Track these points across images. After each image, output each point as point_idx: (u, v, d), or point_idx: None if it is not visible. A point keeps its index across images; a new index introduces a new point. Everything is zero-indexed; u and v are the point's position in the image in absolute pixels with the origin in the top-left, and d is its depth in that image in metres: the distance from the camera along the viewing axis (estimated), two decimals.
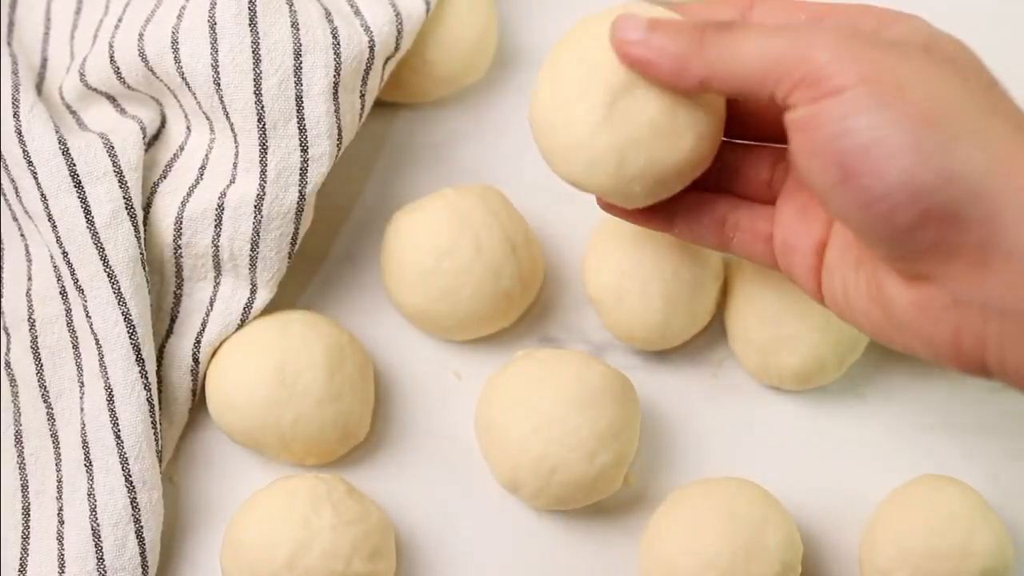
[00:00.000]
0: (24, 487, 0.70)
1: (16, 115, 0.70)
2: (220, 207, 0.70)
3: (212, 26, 0.69)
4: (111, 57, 0.71)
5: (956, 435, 0.73)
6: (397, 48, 0.73)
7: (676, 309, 0.71)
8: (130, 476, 0.68)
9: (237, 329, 0.72)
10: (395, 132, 0.77)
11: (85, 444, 0.69)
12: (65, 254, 0.69)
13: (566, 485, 0.69)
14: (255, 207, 0.70)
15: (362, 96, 0.72)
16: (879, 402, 0.73)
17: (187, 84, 0.70)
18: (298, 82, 0.69)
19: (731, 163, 0.66)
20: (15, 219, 0.72)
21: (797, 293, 0.70)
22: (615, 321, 0.72)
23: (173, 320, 0.72)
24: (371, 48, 0.71)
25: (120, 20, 0.73)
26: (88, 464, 0.69)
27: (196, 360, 0.71)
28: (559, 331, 0.75)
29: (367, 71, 0.71)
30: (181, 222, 0.71)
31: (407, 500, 0.72)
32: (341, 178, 0.74)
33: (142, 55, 0.70)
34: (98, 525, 0.68)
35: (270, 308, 0.72)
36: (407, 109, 0.77)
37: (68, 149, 0.69)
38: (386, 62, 0.73)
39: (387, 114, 0.77)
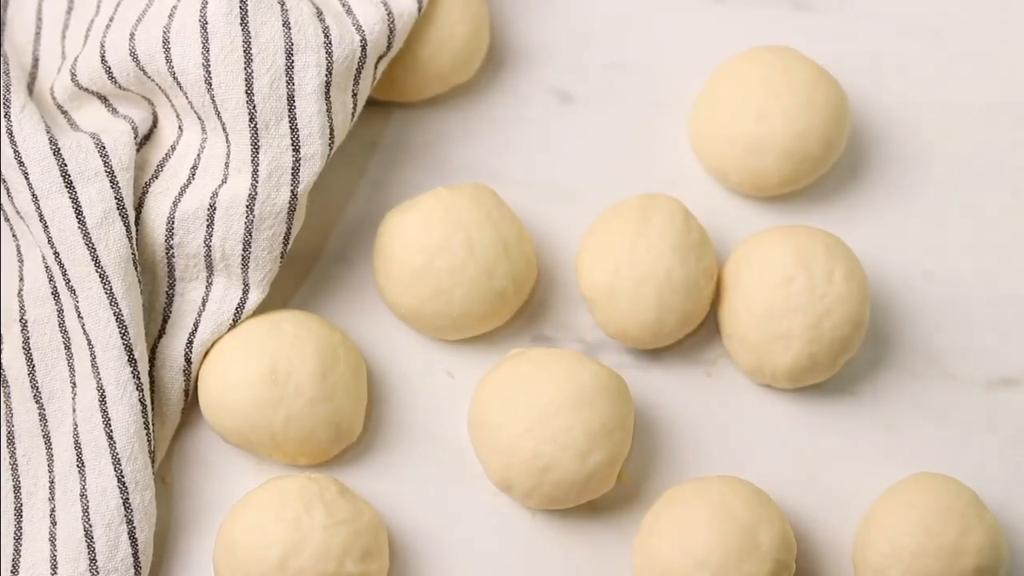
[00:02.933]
0: (16, 488, 0.70)
1: (7, 115, 0.70)
2: (212, 207, 0.70)
3: (203, 25, 0.69)
4: (102, 57, 0.71)
5: (949, 433, 0.73)
6: (389, 47, 0.72)
7: (669, 307, 0.71)
8: (122, 477, 0.68)
9: (229, 329, 0.72)
10: (387, 131, 0.77)
11: (77, 445, 0.69)
12: (57, 255, 0.69)
13: (559, 484, 0.68)
14: (247, 207, 0.70)
15: (354, 95, 0.72)
16: (872, 400, 0.73)
17: (178, 84, 0.70)
18: (290, 81, 0.69)
19: None
20: (7, 219, 0.72)
21: (791, 291, 0.70)
22: (608, 319, 0.72)
23: (165, 320, 0.72)
24: (363, 47, 0.71)
25: (111, 20, 0.73)
26: (80, 465, 0.69)
27: (188, 360, 0.71)
28: (552, 330, 0.75)
29: (359, 70, 0.71)
30: (173, 222, 0.71)
31: (400, 500, 0.72)
32: (334, 177, 0.74)
33: (133, 55, 0.70)
34: (90, 526, 0.68)
35: (262, 308, 0.72)
36: (399, 108, 0.77)
37: (59, 149, 0.69)
38: (378, 61, 0.73)
39: (379, 113, 0.77)
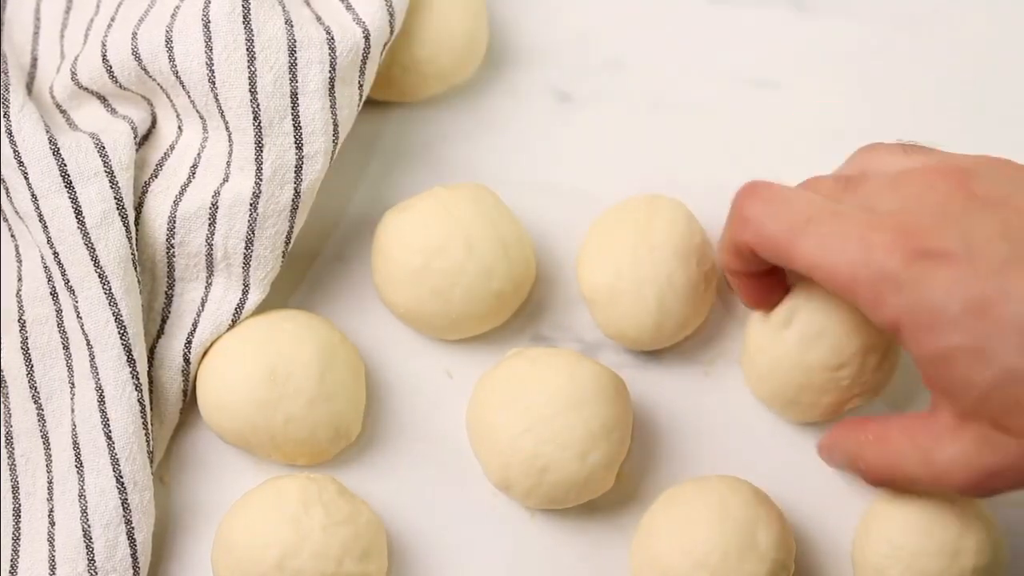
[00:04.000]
0: (15, 488, 0.70)
1: (6, 115, 0.70)
2: (214, 205, 0.70)
3: (206, 24, 0.69)
4: (104, 56, 0.71)
5: None
6: (392, 32, 0.72)
7: (669, 311, 0.71)
8: (121, 477, 0.68)
9: (228, 329, 0.72)
10: (386, 131, 0.77)
11: (76, 445, 0.69)
12: (56, 254, 0.69)
13: (558, 484, 0.68)
14: (251, 205, 0.70)
15: (360, 86, 0.72)
16: (872, 400, 0.73)
17: (181, 83, 0.70)
18: (293, 79, 0.69)
19: None
20: (6, 220, 0.72)
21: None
22: (607, 320, 0.72)
23: (164, 320, 0.72)
24: (366, 38, 0.71)
25: (113, 19, 0.73)
26: (79, 465, 0.69)
27: (187, 360, 0.71)
28: (551, 330, 0.74)
29: (364, 61, 0.71)
30: (174, 221, 0.70)
31: (399, 500, 0.71)
32: (332, 177, 0.74)
33: (135, 54, 0.70)
34: (89, 526, 0.68)
35: (261, 308, 0.72)
36: (398, 108, 0.77)
37: (59, 149, 0.69)
38: (383, 47, 0.72)
39: (378, 113, 0.76)
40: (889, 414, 0.66)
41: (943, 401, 0.61)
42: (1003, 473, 0.60)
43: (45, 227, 0.69)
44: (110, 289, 0.69)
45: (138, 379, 0.69)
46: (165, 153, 0.72)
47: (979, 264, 0.58)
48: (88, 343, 0.69)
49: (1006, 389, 0.57)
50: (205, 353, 0.72)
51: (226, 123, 0.70)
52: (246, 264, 0.71)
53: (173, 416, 0.72)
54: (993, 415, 0.59)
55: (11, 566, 0.69)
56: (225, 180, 0.70)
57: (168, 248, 0.71)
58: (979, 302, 0.57)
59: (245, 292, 0.72)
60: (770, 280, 0.68)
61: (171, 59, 0.70)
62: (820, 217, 0.61)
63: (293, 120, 0.69)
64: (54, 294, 0.71)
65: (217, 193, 0.70)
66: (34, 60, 0.75)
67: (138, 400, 0.69)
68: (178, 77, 0.70)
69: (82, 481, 0.68)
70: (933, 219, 0.59)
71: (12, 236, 0.72)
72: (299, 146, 0.70)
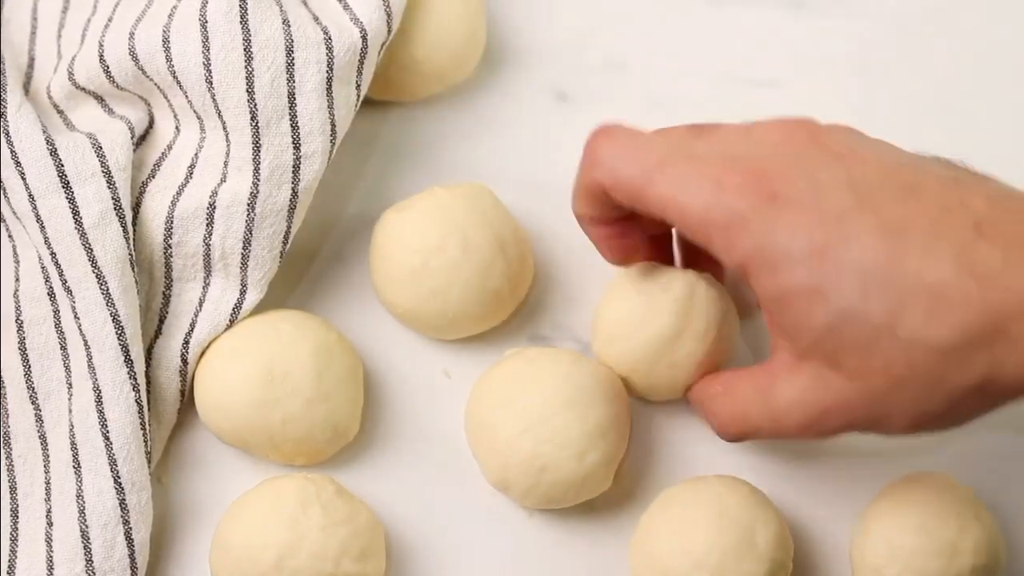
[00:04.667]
0: (13, 489, 0.70)
1: (3, 115, 0.70)
2: (212, 206, 0.70)
3: (203, 24, 0.69)
4: (101, 56, 0.71)
5: (948, 432, 0.72)
6: (390, 31, 0.72)
7: (659, 361, 0.70)
8: (119, 477, 0.68)
9: (226, 329, 0.72)
10: (384, 131, 0.77)
11: (73, 446, 0.69)
12: (53, 255, 0.69)
13: (556, 484, 0.68)
14: (248, 205, 0.70)
15: (358, 86, 0.72)
16: None
17: (178, 83, 0.70)
18: (290, 79, 0.69)
19: None
20: (3, 220, 0.72)
21: None
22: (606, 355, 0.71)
23: (162, 321, 0.72)
24: (364, 38, 0.71)
25: (110, 19, 0.73)
26: (76, 465, 0.69)
27: (184, 361, 0.71)
28: (549, 330, 0.74)
29: (361, 61, 0.71)
30: (172, 221, 0.70)
31: (397, 500, 0.71)
32: (330, 176, 0.74)
33: (132, 54, 0.70)
34: (87, 527, 0.68)
35: (259, 308, 0.72)
36: (396, 107, 0.77)
37: (56, 149, 0.69)
38: (381, 47, 0.72)
39: (376, 112, 0.76)
40: (742, 367, 0.67)
41: (783, 342, 0.62)
42: (834, 411, 0.61)
43: (43, 227, 0.69)
44: (108, 289, 0.69)
45: (136, 379, 0.69)
46: (163, 153, 0.72)
47: (824, 209, 0.59)
48: (86, 343, 0.69)
49: (840, 329, 0.59)
50: (203, 353, 0.71)
51: (223, 123, 0.70)
52: (244, 264, 0.71)
53: (171, 416, 0.72)
54: (827, 354, 0.60)
55: (9, 566, 0.69)
56: (223, 180, 0.70)
57: (166, 248, 0.71)
58: (821, 245, 0.59)
59: (243, 292, 0.72)
60: (626, 228, 0.68)
61: (168, 59, 0.70)
62: (674, 159, 0.62)
63: (291, 120, 0.69)
64: (52, 294, 0.71)
65: (215, 193, 0.70)
66: (31, 60, 0.75)
67: (136, 400, 0.69)
68: (175, 77, 0.70)
69: (80, 481, 0.68)
70: (784, 165, 0.61)
71: (10, 236, 0.72)
72: (297, 146, 0.70)
